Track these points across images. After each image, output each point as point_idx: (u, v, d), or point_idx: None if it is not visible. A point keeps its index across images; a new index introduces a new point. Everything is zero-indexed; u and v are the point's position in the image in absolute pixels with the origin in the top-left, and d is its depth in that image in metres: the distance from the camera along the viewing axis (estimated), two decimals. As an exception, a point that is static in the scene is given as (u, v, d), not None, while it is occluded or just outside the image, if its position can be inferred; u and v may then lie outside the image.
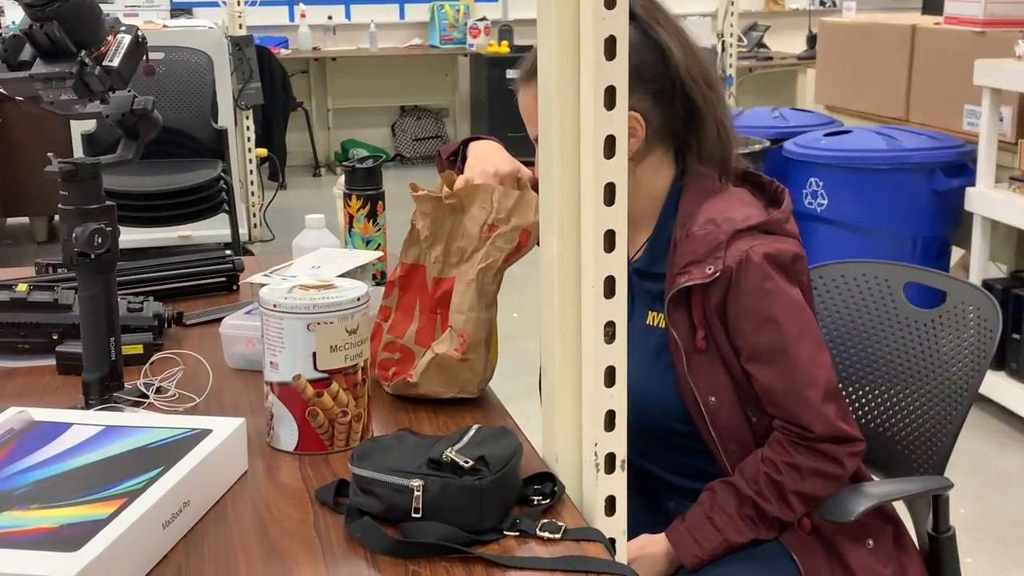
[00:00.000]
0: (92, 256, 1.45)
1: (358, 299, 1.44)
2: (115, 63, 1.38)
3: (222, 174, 4.84)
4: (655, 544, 1.54)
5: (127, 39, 1.41)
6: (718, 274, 1.51)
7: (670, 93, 1.59)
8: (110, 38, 1.41)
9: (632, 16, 1.49)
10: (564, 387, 1.36)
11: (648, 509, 1.68)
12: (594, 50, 1.24)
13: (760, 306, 1.52)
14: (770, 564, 1.54)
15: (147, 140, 1.53)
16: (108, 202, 1.47)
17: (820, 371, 1.55)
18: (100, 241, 1.44)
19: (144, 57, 1.43)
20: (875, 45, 4.67)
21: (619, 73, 1.26)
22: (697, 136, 1.62)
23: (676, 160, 1.64)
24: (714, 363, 1.55)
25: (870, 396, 1.88)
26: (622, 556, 1.32)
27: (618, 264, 1.30)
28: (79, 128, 4.99)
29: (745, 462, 1.57)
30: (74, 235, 1.43)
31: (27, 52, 1.41)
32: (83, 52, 1.37)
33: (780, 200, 1.62)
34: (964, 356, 1.76)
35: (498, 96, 8.24)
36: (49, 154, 1.47)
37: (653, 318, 1.63)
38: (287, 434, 1.44)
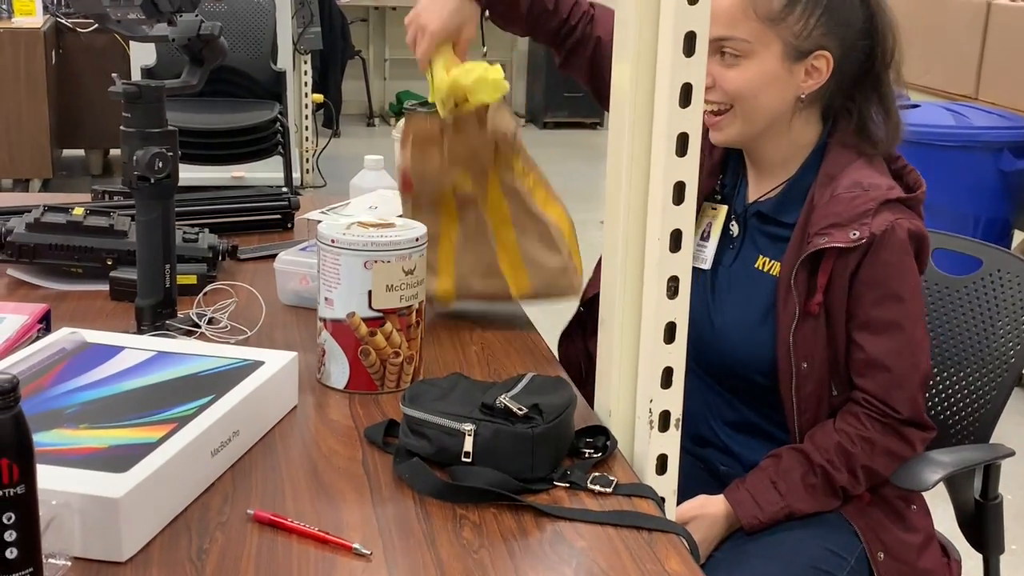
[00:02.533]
0: (152, 180, 1.44)
1: (417, 239, 1.41)
2: (185, -16, 1.36)
3: (279, 116, 4.84)
4: (714, 505, 1.51)
5: (198, -39, 1.38)
6: (863, 240, 1.48)
7: (863, 51, 1.56)
8: (181, -41, 1.39)
9: None
10: (622, 341, 1.34)
11: (697, 471, 1.65)
12: (676, -5, 1.20)
13: (891, 279, 1.50)
14: (828, 531, 1.51)
15: (212, 67, 1.50)
16: (170, 127, 1.45)
17: (924, 357, 1.55)
18: (160, 165, 1.43)
19: (214, -19, 1.40)
20: (948, 20, 4.55)
21: (701, 19, 1.21)
22: (864, 104, 1.58)
23: (823, 119, 1.60)
24: (819, 330, 1.52)
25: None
26: (671, 515, 1.30)
27: (686, 217, 1.26)
28: (138, 62, 5.00)
29: (814, 431, 1.54)
30: (135, 158, 1.42)
31: (96, -31, 1.39)
32: (153, -29, 1.35)
33: (910, 179, 1.58)
34: (1003, 323, 1.75)
35: (557, 55, 8.17)
36: (113, 75, 1.45)
37: (764, 263, 1.59)
38: (338, 371, 1.42)
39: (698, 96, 1.24)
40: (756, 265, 1.60)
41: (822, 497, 1.52)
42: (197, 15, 1.45)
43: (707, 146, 1.59)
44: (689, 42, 1.22)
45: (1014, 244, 4.14)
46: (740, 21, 1.50)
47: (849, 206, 1.50)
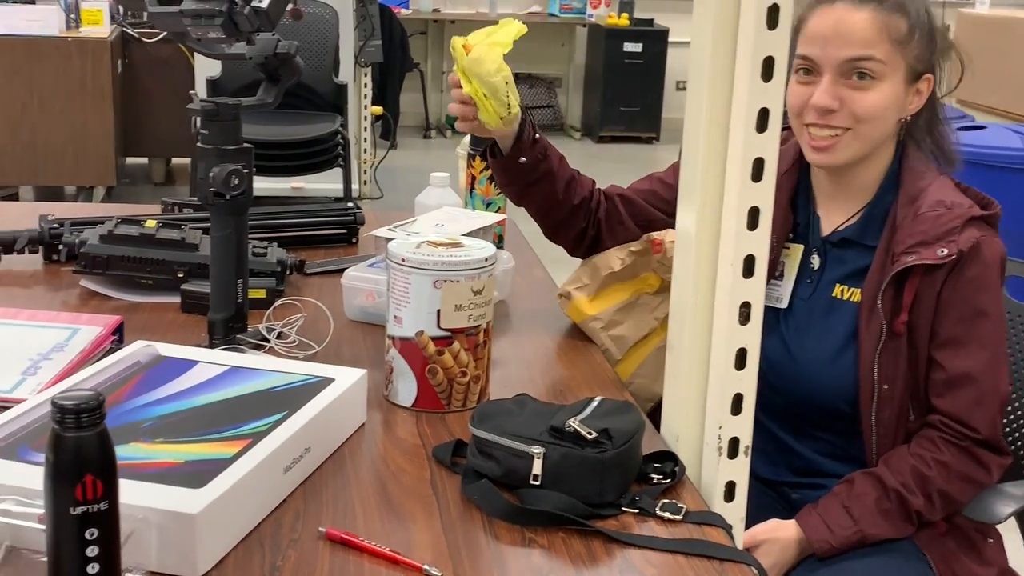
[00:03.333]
0: (227, 197, 1.45)
1: (486, 260, 1.42)
2: (264, 4, 1.37)
3: (340, 128, 4.88)
4: (785, 529, 1.50)
5: (277, -19, 1.40)
6: (953, 256, 1.48)
7: (935, 70, 1.60)
8: (260, -21, 1.40)
9: None
10: (690, 366, 1.33)
11: (768, 497, 1.64)
12: (756, 18, 1.19)
13: (977, 295, 1.50)
14: (901, 560, 1.49)
15: (287, 85, 1.52)
16: (246, 144, 1.47)
17: (1004, 378, 1.54)
18: (236, 182, 1.44)
19: (292, 1, 1.42)
20: (1014, 41, 4.50)
21: (779, 43, 1.21)
22: (934, 126, 1.61)
23: (897, 139, 1.62)
24: (901, 350, 1.52)
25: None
26: (739, 543, 1.29)
27: (760, 243, 1.26)
28: (203, 73, 5.07)
29: (888, 455, 1.53)
30: (211, 175, 1.44)
31: (178, -12, 1.41)
32: (233, -9, 1.37)
33: (982, 199, 1.58)
34: None
35: (614, 69, 8.17)
36: (191, 92, 1.47)
37: (842, 291, 1.60)
38: (406, 389, 1.43)
39: (775, 121, 1.23)
40: (834, 294, 1.60)
41: (896, 522, 1.50)
42: (274, 34, 1.47)
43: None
44: (767, 67, 1.21)
45: (1081, 269, 4.06)
46: (876, 42, 1.52)
47: (935, 224, 1.51)
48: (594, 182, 1.76)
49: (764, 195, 1.25)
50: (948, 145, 1.62)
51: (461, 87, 1.59)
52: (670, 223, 1.68)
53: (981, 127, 4.08)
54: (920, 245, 1.50)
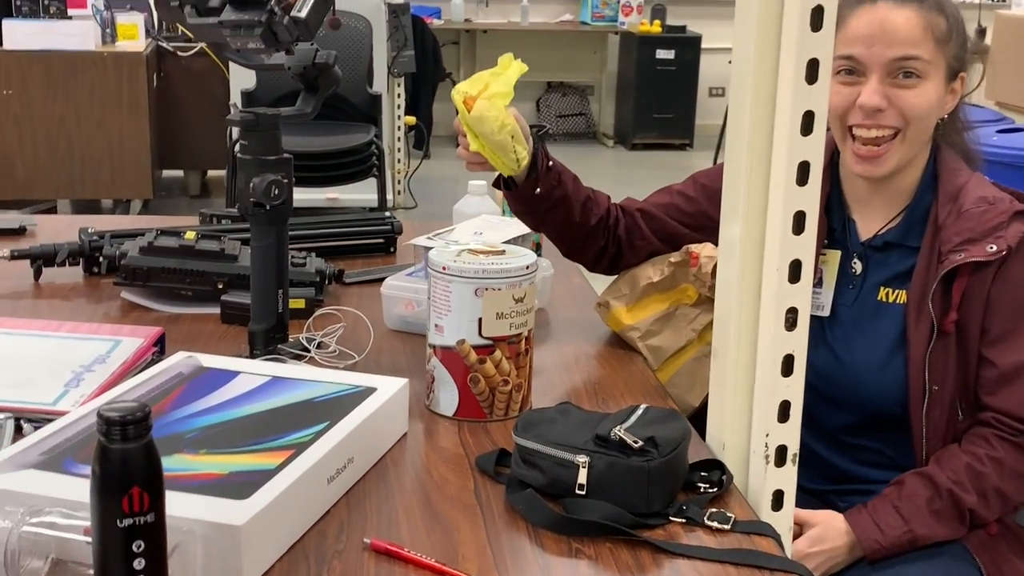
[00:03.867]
0: (267, 207, 1.45)
1: (527, 267, 1.41)
2: (303, 13, 1.37)
3: (375, 139, 4.89)
4: (836, 529, 1.48)
5: (315, -10, 1.39)
6: (1004, 252, 1.47)
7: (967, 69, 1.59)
8: (299, -11, 1.40)
9: None
10: (736, 373, 1.31)
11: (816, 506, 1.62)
12: (800, 21, 1.18)
13: None
14: (950, 563, 1.46)
15: (326, 95, 1.52)
16: (285, 154, 1.47)
17: None
18: (276, 192, 1.44)
19: (331, 10, 1.41)
20: (1055, 41, 4.44)
21: (824, 45, 1.19)
22: (960, 120, 1.61)
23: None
24: (950, 349, 1.51)
25: None
26: (788, 553, 1.27)
27: (807, 248, 1.24)
28: (238, 85, 5.09)
29: (940, 454, 1.51)
30: (251, 185, 1.44)
31: (217, -1, 1.41)
32: (272, 1, 1.37)
33: (1018, 194, 1.57)
34: None
35: (646, 76, 8.15)
36: (231, 103, 1.47)
37: (887, 294, 1.58)
38: (447, 398, 1.42)
39: (820, 125, 1.21)
40: (879, 298, 1.58)
41: (949, 522, 1.47)
42: (312, 44, 1.47)
43: None
44: (812, 69, 1.20)
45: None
46: (922, 41, 1.51)
47: (980, 220, 1.50)
48: (609, 198, 1.74)
49: (810, 199, 1.23)
50: (972, 143, 1.63)
51: (466, 136, 1.56)
52: (693, 236, 1.67)
53: (1020, 129, 4.03)
54: (968, 243, 1.49)
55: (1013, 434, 1.48)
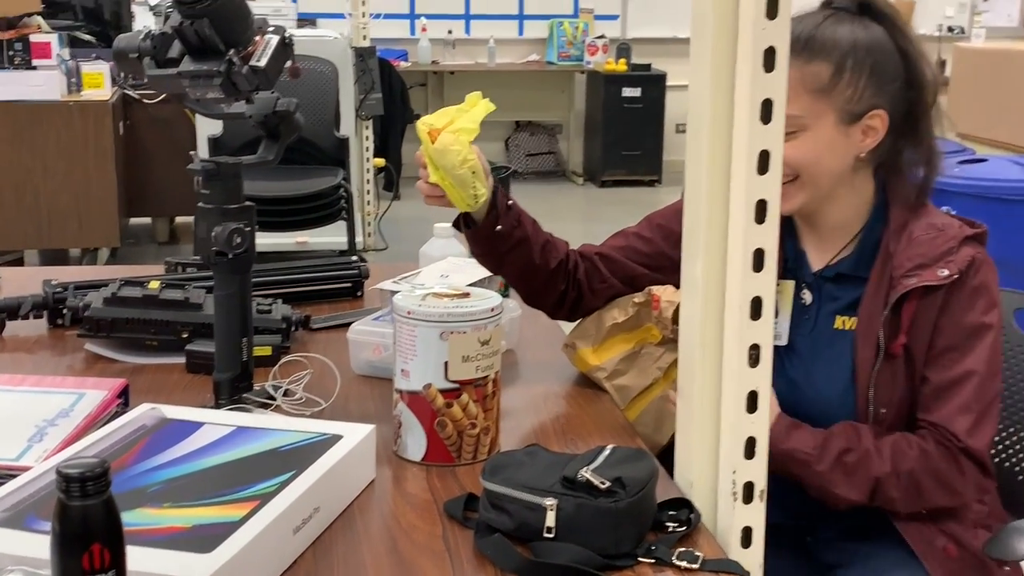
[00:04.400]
0: (230, 255, 1.45)
1: (492, 309, 1.41)
2: (262, 63, 1.38)
3: (343, 182, 4.89)
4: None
5: (275, 40, 1.40)
6: (955, 276, 1.49)
7: (908, 102, 1.57)
8: (258, 38, 1.41)
9: (881, 18, 1.54)
10: (702, 411, 1.31)
11: (784, 542, 1.62)
12: (753, 61, 1.19)
13: (975, 312, 1.51)
14: None
15: (288, 142, 1.52)
16: (247, 202, 1.47)
17: (994, 393, 1.53)
18: (239, 241, 1.44)
19: (290, 58, 1.42)
20: (1013, 73, 4.51)
21: (778, 86, 1.21)
22: (915, 152, 1.60)
23: (876, 172, 1.61)
24: (898, 372, 1.53)
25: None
26: (758, 590, 1.27)
27: (767, 285, 1.25)
28: (204, 132, 5.09)
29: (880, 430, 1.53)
30: (213, 234, 1.43)
31: (175, 49, 1.41)
32: (231, 51, 1.37)
33: (966, 220, 1.59)
34: None
35: (613, 114, 8.21)
36: (192, 152, 1.48)
37: (843, 322, 1.59)
38: (415, 444, 1.42)
39: (776, 164, 1.23)
40: (836, 326, 1.59)
41: (851, 479, 1.49)
42: (273, 92, 1.47)
43: None
44: (766, 109, 1.21)
45: (1089, 298, 4.05)
46: (790, 99, 1.49)
47: (931, 246, 1.52)
48: (567, 244, 1.74)
49: (768, 236, 1.24)
50: (930, 172, 1.59)
51: (427, 168, 1.57)
52: (653, 276, 1.68)
53: (982, 160, 4.08)
54: (919, 268, 1.51)
55: (946, 441, 1.50)
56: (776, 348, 1.59)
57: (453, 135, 1.52)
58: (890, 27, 1.56)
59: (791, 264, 1.64)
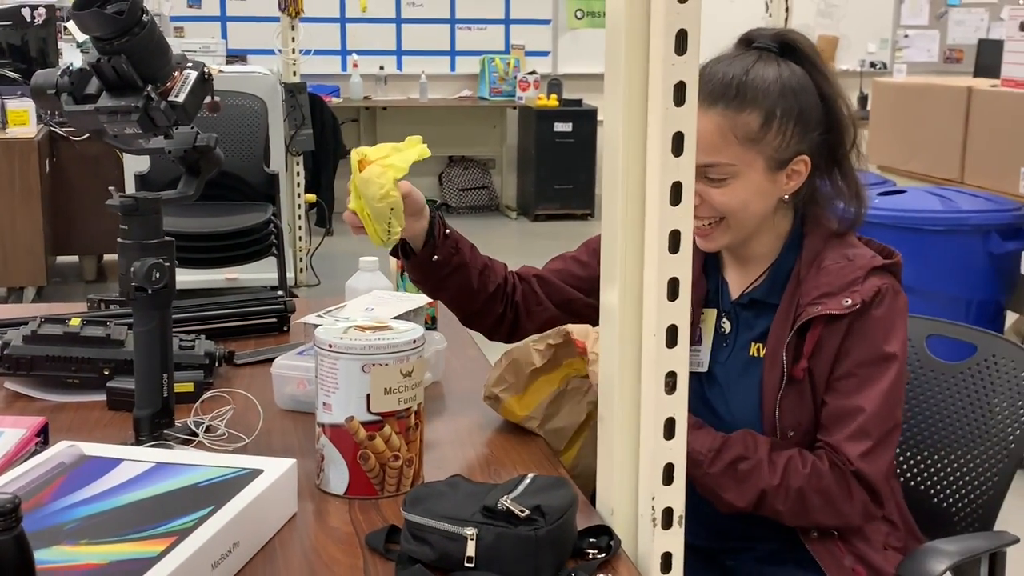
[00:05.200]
0: (149, 291, 1.44)
1: (414, 341, 1.42)
2: (180, 98, 1.38)
3: (272, 218, 4.87)
4: None
5: (193, 75, 1.41)
6: (858, 306, 1.52)
7: (826, 143, 1.60)
8: (176, 74, 1.41)
9: (803, 59, 1.56)
10: (621, 438, 1.33)
11: (700, 564, 1.64)
12: (663, 97, 1.22)
13: (880, 339, 1.53)
14: None
15: (208, 177, 1.52)
16: (167, 237, 1.47)
17: (892, 422, 1.55)
18: (158, 276, 1.44)
19: (209, 94, 1.42)
20: (930, 106, 4.64)
21: (688, 119, 1.24)
22: (833, 187, 1.62)
23: (795, 207, 1.64)
24: (804, 396, 1.55)
25: (907, 454, 1.88)
26: (678, 614, 1.28)
27: (681, 313, 1.27)
28: (132, 169, 5.05)
29: (776, 440, 1.55)
30: (132, 269, 1.43)
31: (93, 85, 1.41)
32: (149, 87, 1.38)
33: (884, 250, 1.62)
34: (1000, 408, 1.77)
35: (546, 148, 8.27)
36: (110, 188, 1.47)
37: (757, 349, 1.62)
38: (337, 477, 1.42)
39: (688, 195, 1.26)
40: (751, 353, 1.62)
41: (739, 485, 1.51)
42: (193, 127, 1.47)
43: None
44: (677, 141, 1.24)
45: (1007, 326, 4.16)
46: (721, 147, 1.53)
47: (838, 276, 1.55)
48: (506, 266, 1.76)
49: (682, 266, 1.27)
50: (848, 205, 1.62)
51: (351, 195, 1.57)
52: (588, 301, 1.69)
53: (901, 191, 4.18)
54: (825, 296, 1.54)
55: (839, 462, 1.52)
56: (697, 375, 1.62)
57: (381, 167, 1.53)
58: (811, 69, 1.58)
59: (712, 294, 1.67)
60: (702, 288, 1.66)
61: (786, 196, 1.59)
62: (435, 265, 1.63)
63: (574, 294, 1.73)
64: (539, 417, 1.67)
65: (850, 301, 1.52)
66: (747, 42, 1.61)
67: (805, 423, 1.55)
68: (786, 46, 1.58)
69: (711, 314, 1.66)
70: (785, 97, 1.54)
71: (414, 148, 1.57)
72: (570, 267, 1.76)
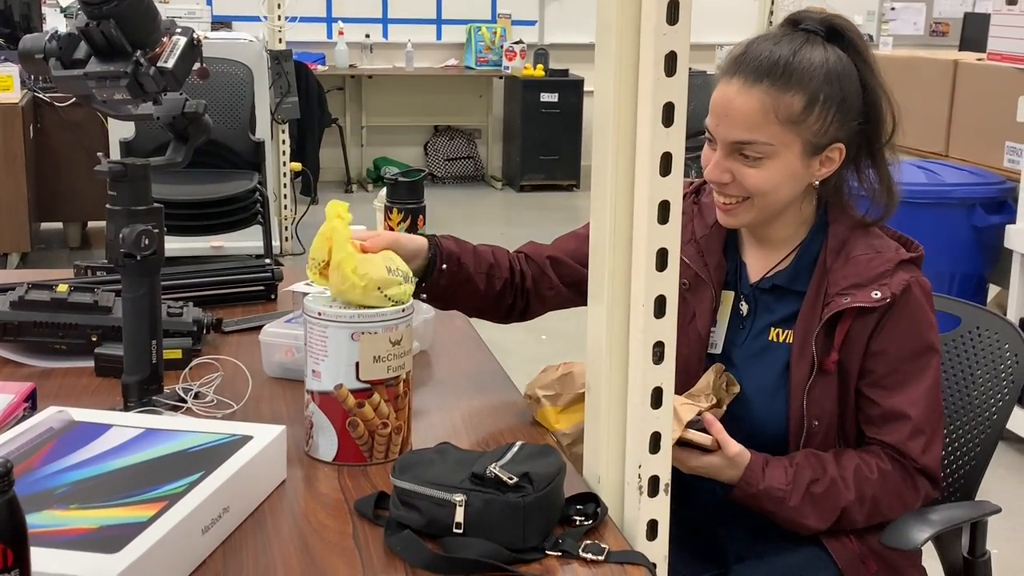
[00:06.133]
0: (138, 257, 1.44)
1: (403, 311, 1.42)
2: (170, 64, 1.38)
3: (258, 186, 4.85)
4: (741, 456, 1.53)
5: (182, 41, 1.40)
6: (888, 300, 1.52)
7: (863, 133, 1.58)
8: (165, 39, 1.41)
9: (848, 46, 1.54)
10: (609, 407, 1.34)
11: (694, 535, 1.65)
12: (654, 66, 1.22)
13: (916, 334, 1.56)
14: None
15: (196, 144, 1.52)
16: (156, 204, 1.46)
17: (939, 412, 1.59)
18: (147, 243, 1.43)
19: (198, 60, 1.42)
20: (916, 80, 4.64)
21: (678, 90, 1.24)
22: (863, 178, 1.62)
23: (820, 193, 1.64)
24: (831, 388, 1.56)
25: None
26: (663, 581, 1.30)
27: (670, 283, 1.28)
28: (116, 135, 5.02)
29: (837, 451, 1.57)
30: (121, 236, 1.43)
31: (82, 50, 1.40)
32: (138, 52, 1.37)
33: (908, 243, 1.63)
34: (984, 379, 1.80)
35: (531, 118, 8.26)
36: (99, 154, 1.47)
37: (776, 334, 1.62)
38: (326, 444, 1.42)
39: (678, 165, 1.26)
40: (770, 338, 1.63)
41: (820, 510, 1.53)
42: (182, 93, 1.47)
43: (706, 234, 1.66)
44: (667, 112, 1.24)
45: (989, 298, 4.18)
46: (762, 125, 1.52)
47: (867, 268, 1.55)
48: (509, 253, 1.73)
49: (671, 236, 1.27)
50: (881, 196, 1.62)
51: None
52: None
53: (887, 164, 4.18)
54: (854, 287, 1.54)
55: (903, 460, 1.56)
56: (711, 355, 1.63)
57: (339, 274, 1.41)
58: (856, 57, 1.56)
59: (731, 276, 1.67)
60: (724, 270, 1.67)
61: (816, 182, 1.59)
62: (443, 288, 1.63)
63: (585, 274, 1.72)
64: (573, 437, 1.59)
65: (879, 294, 1.53)
66: (793, 23, 1.59)
67: (829, 413, 1.57)
68: (833, 31, 1.56)
69: (728, 296, 1.66)
70: (830, 83, 1.52)
71: (337, 221, 1.45)
72: (582, 246, 1.75)
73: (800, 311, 1.59)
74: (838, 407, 1.57)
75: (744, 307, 1.65)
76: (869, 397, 1.56)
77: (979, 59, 4.44)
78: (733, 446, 1.52)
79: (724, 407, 1.57)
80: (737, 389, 1.60)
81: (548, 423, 1.62)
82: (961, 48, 6.66)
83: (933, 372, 1.57)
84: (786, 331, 1.61)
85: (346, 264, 1.40)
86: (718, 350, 1.65)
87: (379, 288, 1.41)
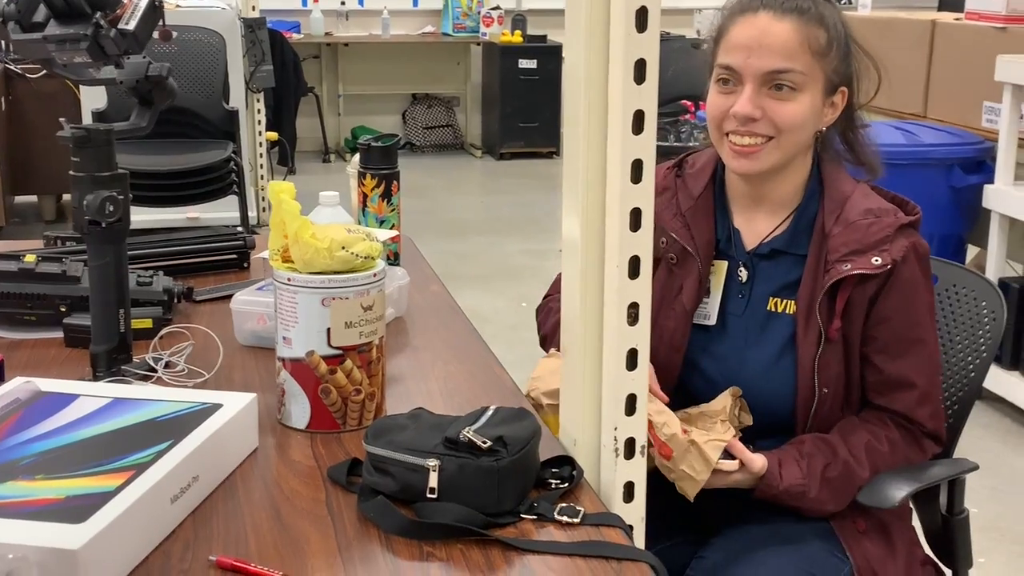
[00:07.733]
0: (103, 224, 1.42)
1: (374, 275, 1.40)
2: (131, 26, 1.34)
3: (232, 155, 4.81)
4: (757, 462, 1.53)
5: (144, 3, 1.37)
6: (888, 266, 1.52)
7: (855, 88, 1.61)
8: (127, 1, 1.37)
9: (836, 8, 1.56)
10: (584, 369, 1.33)
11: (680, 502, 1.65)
12: (625, 22, 1.20)
13: (915, 299, 1.56)
14: (816, 554, 1.53)
15: (161, 108, 1.49)
16: (120, 170, 1.44)
17: (938, 372, 1.61)
18: (111, 209, 1.41)
19: (160, 22, 1.39)
20: (894, 40, 4.62)
21: (650, 46, 1.22)
22: (848, 132, 1.64)
23: (814, 150, 1.64)
24: (836, 354, 1.56)
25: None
26: (640, 543, 1.29)
27: (644, 244, 1.26)
28: (89, 106, 4.96)
29: (842, 424, 1.58)
30: (85, 203, 1.40)
31: (41, 13, 1.37)
32: (98, 14, 1.34)
33: (906, 206, 1.62)
34: (961, 339, 1.80)
35: (510, 86, 8.21)
36: (61, 119, 1.44)
37: (775, 304, 1.62)
38: (299, 411, 1.41)
39: (650, 123, 1.24)
40: (768, 308, 1.62)
41: (838, 492, 1.54)
42: (145, 57, 1.44)
43: (692, 206, 1.64)
44: (639, 69, 1.22)
45: (968, 259, 4.19)
46: (798, 54, 1.53)
47: (867, 233, 1.54)
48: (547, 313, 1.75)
49: (644, 196, 1.25)
50: (867, 155, 1.65)
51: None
52: None
53: (866, 125, 4.18)
54: (854, 254, 1.53)
55: (910, 426, 1.58)
56: (705, 328, 1.62)
57: (299, 245, 1.36)
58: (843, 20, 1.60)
59: (723, 244, 1.66)
60: (713, 238, 1.65)
61: (823, 127, 1.59)
62: None
63: None
64: None
65: (880, 260, 1.52)
66: None
67: (836, 377, 1.57)
68: None
69: (721, 266, 1.65)
70: (837, 24, 1.57)
71: (280, 200, 1.39)
72: None
73: (801, 280, 1.58)
74: (845, 373, 1.57)
75: (743, 273, 1.64)
76: (874, 363, 1.57)
77: (957, 19, 4.43)
78: (757, 462, 1.52)
79: (739, 433, 1.56)
80: (750, 420, 1.59)
81: (553, 431, 1.57)
82: (940, 8, 6.64)
83: (934, 335, 1.58)
84: (785, 300, 1.60)
85: (303, 231, 1.37)
86: (712, 321, 1.63)
87: (343, 248, 1.38)
